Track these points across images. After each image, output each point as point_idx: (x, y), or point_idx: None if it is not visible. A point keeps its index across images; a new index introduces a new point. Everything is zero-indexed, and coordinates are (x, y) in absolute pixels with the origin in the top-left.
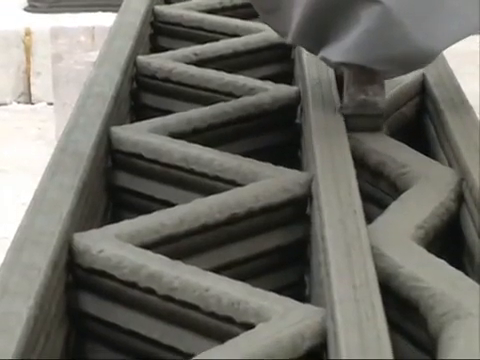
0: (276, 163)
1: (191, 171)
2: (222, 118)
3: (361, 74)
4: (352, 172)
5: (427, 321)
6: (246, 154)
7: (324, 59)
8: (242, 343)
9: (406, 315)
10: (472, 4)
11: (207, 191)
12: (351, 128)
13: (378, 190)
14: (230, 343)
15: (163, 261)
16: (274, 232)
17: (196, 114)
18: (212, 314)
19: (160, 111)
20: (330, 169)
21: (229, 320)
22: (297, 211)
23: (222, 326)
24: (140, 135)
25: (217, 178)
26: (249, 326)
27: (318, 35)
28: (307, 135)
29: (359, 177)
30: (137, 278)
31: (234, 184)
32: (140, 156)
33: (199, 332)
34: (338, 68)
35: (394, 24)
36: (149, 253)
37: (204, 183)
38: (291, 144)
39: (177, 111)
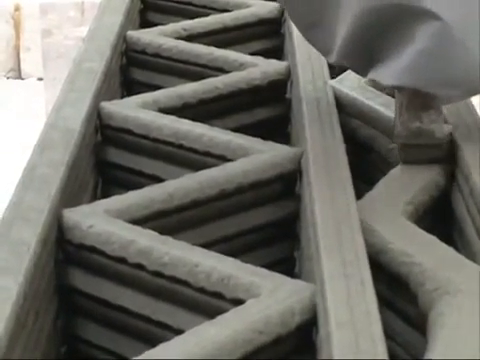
0: (266, 138)
1: (181, 146)
2: (212, 93)
3: (416, 99)
4: (342, 147)
5: (417, 297)
6: (236, 129)
7: (373, 82)
8: (232, 319)
9: (396, 291)
10: None
11: (197, 166)
12: (405, 160)
13: (368, 165)
14: (220, 319)
15: (153, 237)
16: (264, 207)
17: (186, 89)
18: (202, 290)
19: (150, 86)
20: (320, 144)
21: (219, 296)
22: (287, 186)
23: (212, 302)
24: (130, 110)
25: (207, 153)
26: (239, 302)
27: (366, 54)
28: (297, 110)
29: (349, 152)
30: (127, 254)
31: (224, 159)
32: (130, 131)
33: (189, 308)
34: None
35: (455, 42)
36: (139, 229)
37: (194, 158)
38: (281, 119)
39: (167, 86)
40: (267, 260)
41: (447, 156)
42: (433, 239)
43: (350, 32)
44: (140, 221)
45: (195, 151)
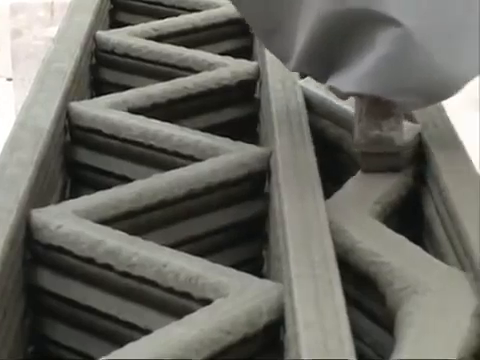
0: (236, 138)
1: (150, 147)
2: (182, 93)
3: (375, 106)
4: (311, 147)
5: (385, 296)
6: (206, 129)
7: (333, 89)
8: (199, 319)
9: (364, 290)
10: None
11: (166, 166)
12: (365, 168)
13: (337, 165)
14: (187, 319)
15: (121, 237)
16: (233, 207)
17: (155, 89)
18: (170, 290)
19: (119, 86)
20: (289, 144)
21: (187, 295)
22: (256, 186)
23: (180, 302)
24: (99, 110)
25: (176, 153)
26: (207, 302)
27: (326, 61)
28: (266, 110)
29: (318, 152)
30: (95, 254)
31: (193, 159)
32: (99, 132)
33: (157, 308)
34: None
35: (417, 49)
36: (107, 229)
37: (163, 158)
38: (251, 119)
39: (136, 86)
40: (235, 260)
41: (408, 164)
42: (401, 239)
43: (309, 38)
44: (109, 221)
45: (164, 151)
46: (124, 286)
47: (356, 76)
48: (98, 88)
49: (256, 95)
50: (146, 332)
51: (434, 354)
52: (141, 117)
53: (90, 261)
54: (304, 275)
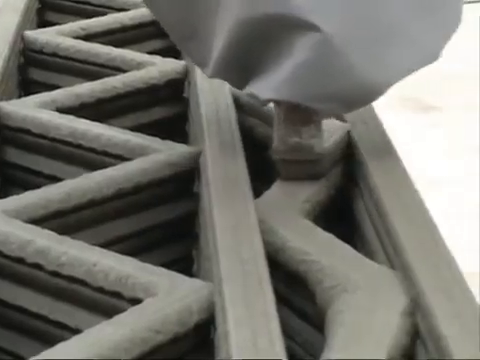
0: (165, 137)
1: (79, 146)
2: (110, 93)
3: (294, 113)
4: (240, 146)
5: (315, 295)
6: (135, 129)
7: (251, 96)
8: (129, 318)
9: (294, 289)
10: (429, 29)
11: (95, 166)
12: (283, 176)
13: (266, 164)
14: (117, 318)
15: (51, 236)
16: (162, 206)
17: (84, 89)
18: (100, 289)
19: (48, 86)
20: (218, 144)
21: (117, 295)
22: (185, 185)
23: (110, 301)
24: (28, 110)
25: (105, 153)
26: (137, 301)
27: (244, 68)
28: (195, 109)
29: (246, 151)
30: (24, 254)
31: (122, 159)
32: (28, 131)
33: (87, 307)
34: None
35: (335, 55)
36: (37, 228)
37: (92, 158)
38: (180, 118)
39: (65, 86)
40: (165, 259)
41: (330, 170)
42: (331, 237)
43: (226, 44)
44: (38, 221)
45: (93, 150)
46: (54, 286)
47: (274, 82)
48: (27, 88)
49: (185, 94)
50: (76, 332)
51: (364, 353)
52: (70, 116)
53: (20, 261)
54: (234, 274)
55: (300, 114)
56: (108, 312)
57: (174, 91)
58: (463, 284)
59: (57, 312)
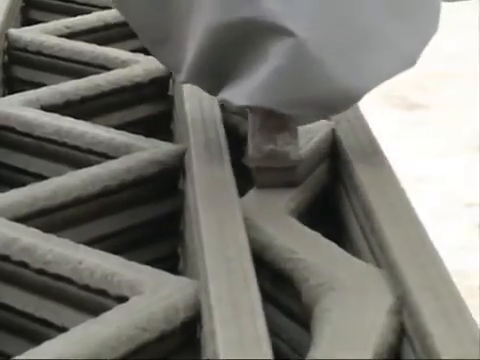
0: (149, 135)
1: (64, 144)
2: (95, 91)
3: (269, 119)
4: (224, 144)
5: (301, 293)
6: (120, 127)
7: (225, 101)
8: (115, 316)
9: (280, 287)
10: (407, 33)
11: (80, 164)
12: (259, 184)
13: None
14: (103, 316)
15: (36, 234)
16: (147, 204)
17: (68, 87)
18: (85, 287)
19: (32, 84)
20: (202, 141)
21: (103, 293)
22: (170, 183)
23: (96, 299)
24: (12, 108)
25: (89, 151)
26: (123, 299)
27: (217, 74)
28: (179, 107)
29: (231, 148)
30: (10, 251)
31: (107, 157)
32: (12, 129)
33: (73, 305)
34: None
35: (310, 60)
36: (22, 226)
37: (77, 156)
38: (164, 116)
39: (49, 84)
40: (151, 257)
41: (305, 179)
42: (317, 235)
43: (199, 50)
44: (23, 219)
45: (78, 149)
46: (40, 284)
47: (248, 89)
48: (11, 86)
49: (169, 92)
50: (63, 330)
51: (350, 351)
52: (55, 115)
53: (5, 259)
54: (219, 272)
55: (275, 121)
56: (94, 310)
57: (159, 89)
58: (449, 282)
59: (43, 310)
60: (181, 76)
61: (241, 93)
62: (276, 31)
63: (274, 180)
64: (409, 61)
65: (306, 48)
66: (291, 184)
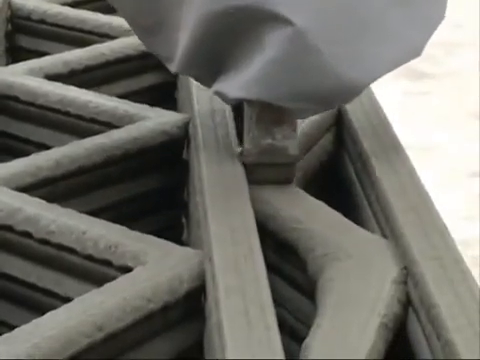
0: (154, 104)
1: (67, 113)
2: (99, 60)
3: (266, 113)
4: (229, 112)
5: (306, 263)
6: (124, 96)
7: (219, 94)
8: (119, 286)
9: (285, 257)
10: (411, 23)
11: (83, 133)
12: (254, 180)
13: None
14: (107, 286)
15: (40, 204)
16: (152, 174)
17: (72, 56)
18: (89, 257)
19: (36, 53)
20: (207, 110)
21: (106, 263)
22: (174, 153)
23: (99, 269)
24: (15, 77)
25: (93, 120)
26: (127, 269)
27: (211, 64)
28: (184, 76)
29: (237, 118)
30: (13, 221)
31: (110, 126)
32: (16, 98)
33: (76, 275)
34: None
35: (309, 50)
36: (25, 196)
37: (80, 125)
38: (169, 85)
39: (53, 53)
40: (155, 227)
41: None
42: (322, 205)
43: (193, 39)
44: (27, 189)
45: (81, 118)
46: (43, 254)
47: (243, 80)
48: (14, 55)
49: None
50: (66, 300)
51: (356, 320)
52: (58, 84)
53: (8, 229)
54: (224, 241)
55: (272, 114)
56: (98, 280)
57: None
58: (456, 252)
59: (46, 280)
60: (173, 66)
61: (236, 85)
62: (273, 19)
63: (269, 177)
64: (414, 52)
65: (305, 37)
66: (288, 181)
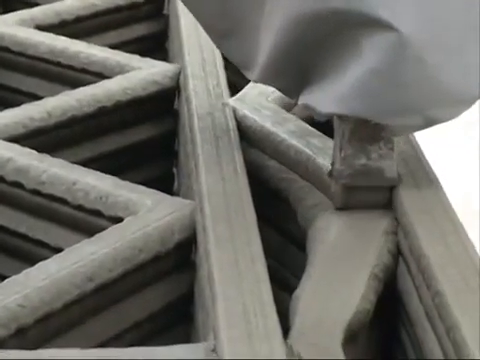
0: (145, 55)
1: (58, 64)
2: (90, 10)
3: (361, 129)
4: (220, 63)
5: (297, 212)
6: (115, 46)
7: (307, 107)
8: (110, 237)
9: (275, 207)
10: None
11: (74, 84)
12: (345, 204)
13: (245, 82)
14: (98, 236)
15: (31, 155)
16: (143, 125)
17: (63, 6)
18: (80, 207)
19: (27, 3)
20: (198, 60)
21: (97, 213)
22: (165, 103)
23: (90, 220)
24: (6, 28)
25: (84, 70)
26: (118, 220)
27: (299, 73)
28: (174, 26)
29: (227, 69)
30: (4, 172)
31: (102, 77)
32: (6, 49)
33: (67, 226)
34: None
35: (413, 60)
36: (16, 147)
37: (71, 75)
38: (160, 35)
39: (44, 3)
40: (146, 177)
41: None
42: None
43: (278, 45)
44: (18, 139)
45: (72, 68)
46: (34, 204)
47: (338, 93)
48: (6, 5)
49: (165, 11)
50: (57, 250)
51: (346, 270)
52: (49, 34)
53: (0, 179)
54: (215, 192)
55: (368, 131)
56: (88, 230)
57: (155, 8)
58: (447, 203)
59: (37, 230)
60: (252, 75)
61: (328, 98)
62: (373, 25)
63: (361, 201)
64: None
65: (409, 45)
66: (385, 207)
